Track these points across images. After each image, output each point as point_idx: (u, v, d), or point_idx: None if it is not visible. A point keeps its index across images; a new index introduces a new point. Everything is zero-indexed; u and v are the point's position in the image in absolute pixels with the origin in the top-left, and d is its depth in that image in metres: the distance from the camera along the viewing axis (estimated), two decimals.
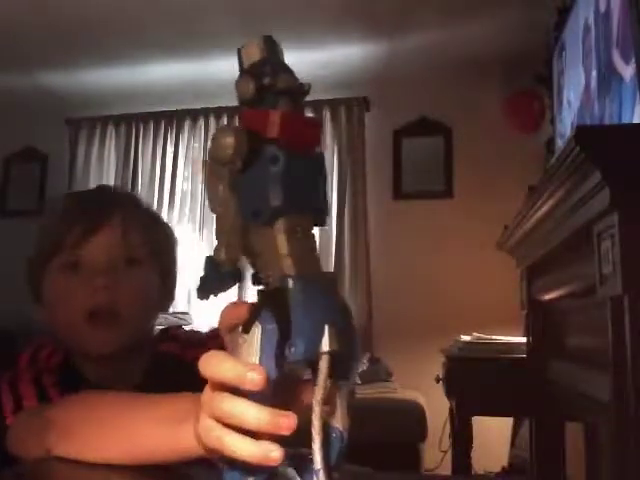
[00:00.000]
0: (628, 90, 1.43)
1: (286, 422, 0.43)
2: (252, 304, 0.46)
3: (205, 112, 4.05)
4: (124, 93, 3.95)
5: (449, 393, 2.36)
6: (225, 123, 4.02)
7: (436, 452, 2.96)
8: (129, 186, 4.09)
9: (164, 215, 4.02)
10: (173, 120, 4.11)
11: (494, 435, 2.86)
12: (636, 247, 1.00)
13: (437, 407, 2.84)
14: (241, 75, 0.46)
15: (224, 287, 0.47)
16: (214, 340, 0.94)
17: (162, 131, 4.14)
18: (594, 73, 1.73)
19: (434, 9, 2.97)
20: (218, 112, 4.01)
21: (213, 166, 0.46)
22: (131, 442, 0.59)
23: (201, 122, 4.07)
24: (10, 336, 2.80)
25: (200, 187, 4.01)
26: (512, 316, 2.49)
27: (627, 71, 1.44)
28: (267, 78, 0.45)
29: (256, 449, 0.43)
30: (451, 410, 2.54)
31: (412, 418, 2.82)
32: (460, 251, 3.46)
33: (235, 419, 0.44)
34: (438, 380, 2.47)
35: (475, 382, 2.16)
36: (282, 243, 0.45)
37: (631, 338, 1.00)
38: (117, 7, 2.97)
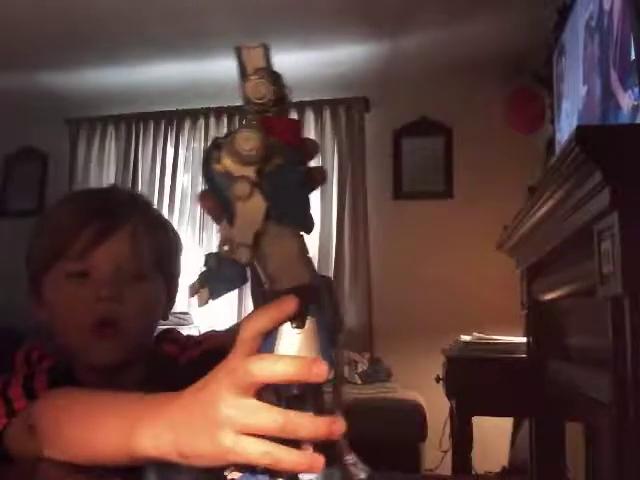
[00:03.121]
0: (625, 121, 1.40)
1: (339, 427, 0.46)
2: (295, 301, 0.47)
3: (205, 112, 4.05)
4: (124, 93, 3.95)
5: (449, 393, 2.36)
6: (225, 124, 4.02)
7: (436, 452, 2.96)
8: (129, 186, 4.09)
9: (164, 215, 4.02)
10: (173, 120, 4.11)
11: (494, 435, 2.86)
12: (636, 247, 1.00)
13: (437, 407, 2.84)
14: (250, 78, 0.48)
15: (234, 288, 0.49)
16: (209, 340, 0.93)
17: (162, 131, 4.14)
18: (595, 72, 1.72)
19: (434, 9, 2.97)
20: (218, 112, 4.01)
21: (234, 165, 0.47)
22: (90, 445, 0.59)
23: (201, 122, 4.07)
24: (12, 335, 2.80)
25: (200, 187, 4.00)
26: (512, 316, 2.49)
27: (625, 100, 1.41)
28: (286, 88, 0.48)
29: (305, 459, 0.45)
30: (451, 410, 2.54)
31: (412, 418, 2.82)
32: (460, 251, 3.46)
33: (288, 431, 0.45)
34: (438, 380, 2.47)
35: (475, 382, 2.16)
36: (302, 244, 0.48)
37: (631, 338, 1.00)
38: (117, 7, 2.97)
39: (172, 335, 0.97)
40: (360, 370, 3.23)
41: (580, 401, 1.44)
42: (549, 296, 1.86)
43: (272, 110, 0.48)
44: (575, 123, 1.91)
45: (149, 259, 0.85)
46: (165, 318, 0.91)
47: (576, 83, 1.92)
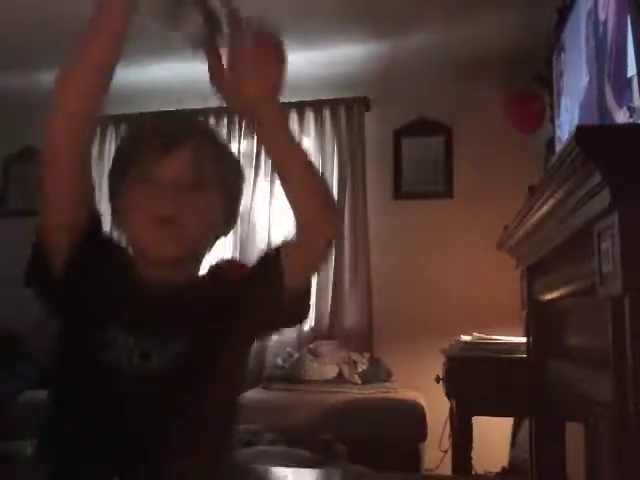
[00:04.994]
0: None
1: None
2: None
3: (205, 112, 4.05)
4: (124, 93, 3.94)
5: (449, 393, 2.37)
6: (225, 123, 4.02)
7: (436, 452, 2.96)
8: None
9: None
10: None
11: (494, 435, 2.85)
12: (636, 247, 1.00)
13: (437, 407, 2.84)
14: None
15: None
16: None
17: None
18: (594, 72, 1.72)
19: (434, 9, 2.97)
20: (218, 112, 4.01)
21: None
22: None
23: None
24: (12, 336, 2.80)
25: None
26: (512, 316, 2.49)
27: (620, 116, 1.40)
28: None
29: None
30: (451, 410, 2.54)
31: (412, 418, 2.82)
32: (460, 251, 3.46)
33: None
34: (438, 380, 2.47)
35: (475, 382, 2.16)
36: None
37: (631, 338, 1.00)
38: None
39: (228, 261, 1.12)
40: (360, 370, 3.23)
41: (580, 401, 1.44)
42: (549, 296, 1.86)
43: None
44: (576, 115, 1.91)
45: (209, 172, 0.97)
46: (225, 233, 1.04)
47: (577, 74, 1.90)
